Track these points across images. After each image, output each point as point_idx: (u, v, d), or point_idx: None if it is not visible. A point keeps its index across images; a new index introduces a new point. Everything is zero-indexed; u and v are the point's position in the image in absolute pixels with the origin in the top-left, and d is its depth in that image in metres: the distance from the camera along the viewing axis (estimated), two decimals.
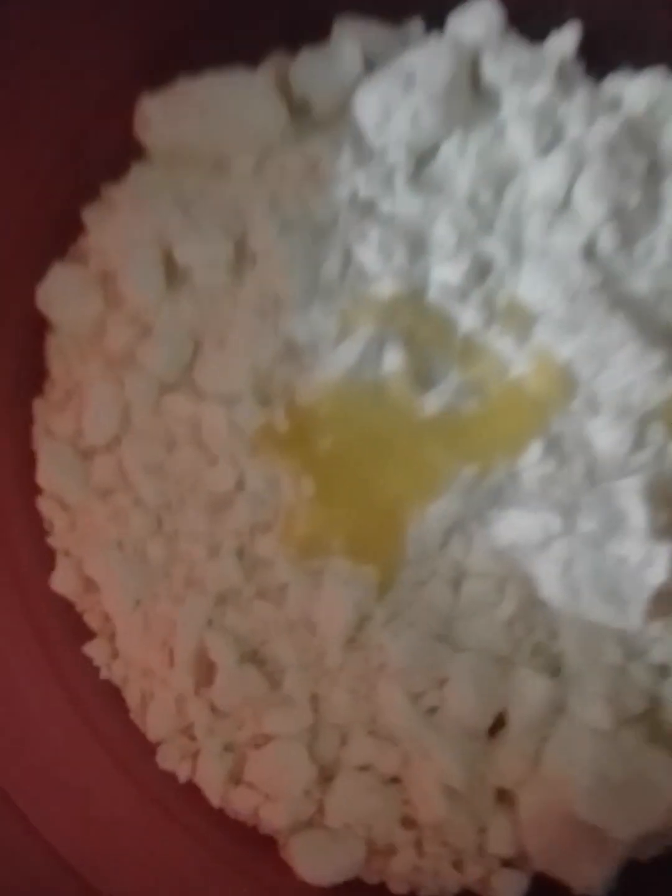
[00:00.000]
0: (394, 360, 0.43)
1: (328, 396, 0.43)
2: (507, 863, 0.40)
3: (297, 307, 0.44)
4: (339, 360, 0.43)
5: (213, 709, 0.41)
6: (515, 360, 0.45)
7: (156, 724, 0.41)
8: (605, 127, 0.50)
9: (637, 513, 0.40)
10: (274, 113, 0.48)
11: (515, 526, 0.41)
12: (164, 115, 0.48)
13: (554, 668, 0.42)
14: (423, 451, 0.43)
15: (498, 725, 0.41)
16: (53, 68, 0.43)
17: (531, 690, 0.40)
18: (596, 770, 0.39)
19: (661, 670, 0.42)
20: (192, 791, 0.40)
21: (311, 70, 0.50)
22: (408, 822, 0.40)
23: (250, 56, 0.50)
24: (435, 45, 0.50)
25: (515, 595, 0.41)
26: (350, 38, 0.50)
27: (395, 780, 0.41)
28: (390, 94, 0.48)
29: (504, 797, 0.41)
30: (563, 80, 0.52)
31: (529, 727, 0.40)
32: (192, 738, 0.41)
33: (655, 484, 0.41)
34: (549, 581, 0.40)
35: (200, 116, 0.47)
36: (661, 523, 0.41)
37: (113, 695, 0.42)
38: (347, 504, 0.42)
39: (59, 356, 0.46)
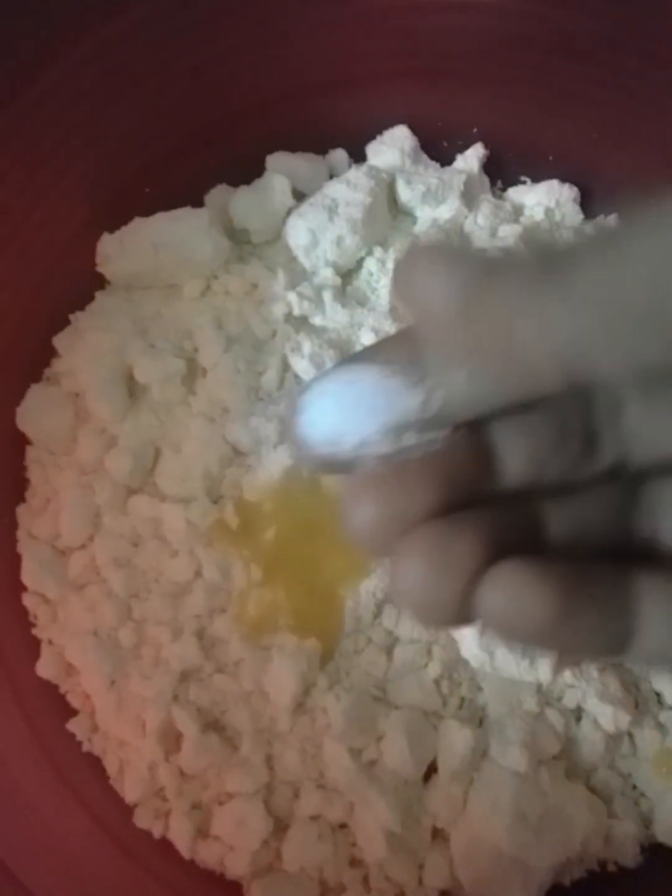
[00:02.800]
0: None
1: (271, 493, 0.49)
2: (443, 893, 0.45)
3: (241, 415, 0.51)
4: (278, 461, 0.50)
5: (182, 773, 0.46)
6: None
7: (132, 788, 0.46)
8: (505, 236, 0.57)
9: None
10: (216, 245, 0.55)
11: None
12: (121, 251, 0.55)
13: (478, 719, 0.48)
14: None
15: (430, 773, 0.46)
16: (25, 224, 0.50)
17: (457, 740, 0.45)
18: (515, 808, 0.45)
19: (575, 714, 0.48)
20: (165, 846, 0.45)
21: (247, 204, 0.57)
22: (355, 863, 0.45)
23: (194, 195, 0.58)
24: (354, 176, 0.58)
25: (440, 657, 0.47)
26: (280, 174, 0.58)
27: (342, 826, 0.45)
28: (317, 222, 0.55)
29: (438, 835, 0.45)
30: (469, 197, 0.59)
31: (457, 773, 0.45)
32: (164, 799, 0.46)
33: None
34: (468, 643, 0.46)
35: (152, 251, 0.54)
36: None
37: (94, 764, 0.47)
38: (291, 586, 0.48)
39: (38, 467, 0.52)
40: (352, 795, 0.45)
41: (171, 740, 0.46)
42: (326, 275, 0.55)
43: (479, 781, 0.46)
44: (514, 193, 0.62)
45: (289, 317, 0.54)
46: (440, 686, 0.47)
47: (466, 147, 0.61)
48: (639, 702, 0.49)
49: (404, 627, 0.48)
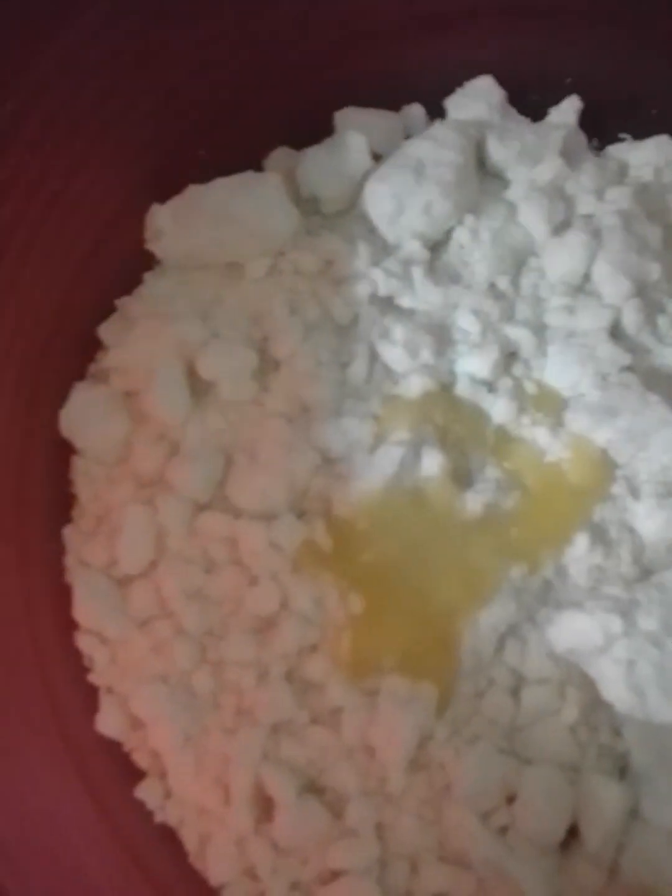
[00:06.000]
0: (432, 464, 0.42)
1: (369, 507, 0.42)
2: None
3: (328, 414, 0.44)
4: (377, 469, 0.42)
5: (276, 846, 0.39)
6: (551, 448, 0.45)
7: (217, 866, 0.39)
8: (618, 199, 0.50)
9: None
10: (284, 213, 0.47)
11: (573, 629, 0.40)
12: (174, 224, 0.47)
13: (620, 770, 0.41)
14: (470, 554, 0.42)
15: (569, 837, 0.39)
16: (63, 195, 0.43)
17: (604, 798, 0.39)
18: None
19: None
20: None
21: (319, 167, 0.50)
22: None
23: (252, 159, 0.50)
24: (441, 132, 0.50)
25: (577, 699, 0.40)
26: (355, 131, 0.50)
27: None
28: (402, 185, 0.48)
29: None
30: (569, 155, 0.52)
31: (606, 837, 0.39)
32: (256, 879, 0.39)
33: None
34: (614, 684, 0.39)
35: (210, 223, 0.47)
36: None
37: (169, 838, 0.40)
38: (398, 618, 0.41)
39: (87, 481, 0.45)
40: (482, 869, 0.39)
41: (262, 807, 0.40)
42: (413, 248, 0.48)
43: (632, 846, 0.39)
44: (616, 151, 0.54)
45: (373, 298, 0.47)
46: (577, 733, 0.40)
47: (559, 99, 0.53)
48: None
49: (532, 664, 0.41)
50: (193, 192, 0.47)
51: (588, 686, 0.40)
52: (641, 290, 0.48)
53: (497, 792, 0.39)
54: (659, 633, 0.39)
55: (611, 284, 0.47)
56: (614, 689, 0.39)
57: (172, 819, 0.40)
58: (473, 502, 0.43)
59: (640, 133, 0.54)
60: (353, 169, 0.49)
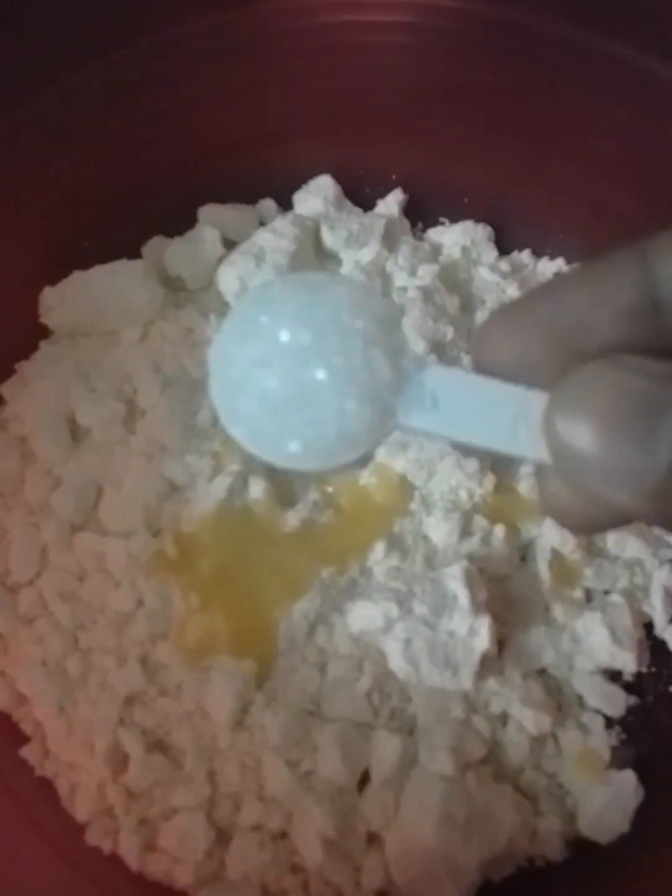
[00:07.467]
0: (257, 489, 0.53)
1: (207, 524, 0.52)
2: (379, 894, 0.48)
3: (177, 452, 0.54)
4: (212, 494, 0.53)
5: (128, 791, 0.48)
6: (362, 475, 0.56)
7: (83, 808, 0.49)
8: (424, 276, 0.61)
9: (460, 594, 0.50)
10: (151, 293, 0.58)
11: (363, 615, 0.50)
12: (62, 303, 0.58)
13: (408, 729, 0.51)
14: (288, 561, 0.52)
15: (364, 781, 0.49)
16: None
17: (387, 749, 0.48)
18: (443, 810, 0.47)
19: (501, 719, 0.51)
20: (115, 861, 0.47)
21: (180, 255, 0.61)
22: (296, 869, 0.47)
23: (132, 247, 0.61)
24: (280, 224, 0.62)
25: (371, 671, 0.50)
26: (210, 225, 0.62)
27: (282, 835, 0.48)
28: (245, 269, 0.59)
29: (373, 840, 0.48)
30: (389, 239, 0.63)
31: (388, 780, 0.48)
32: (113, 817, 0.48)
33: (473, 568, 0.51)
34: (395, 657, 0.49)
35: (92, 301, 0.58)
36: (481, 599, 0.50)
37: (47, 788, 0.49)
38: (228, 611, 0.50)
39: None
40: (290, 805, 0.48)
41: (119, 761, 0.49)
42: None
43: (409, 787, 0.49)
44: (433, 234, 0.66)
45: None
46: (371, 698, 0.50)
47: (387, 192, 0.65)
48: (561, 705, 0.53)
49: (336, 644, 0.51)
50: (77, 276, 0.58)
51: (380, 662, 0.50)
52: (437, 349, 0.59)
53: (303, 745, 0.48)
54: (429, 616, 0.49)
55: (411, 345, 0.59)
56: (396, 661, 0.49)
57: (49, 773, 0.49)
58: (293, 518, 0.53)
59: (456, 218, 0.66)
60: (208, 255, 0.61)
